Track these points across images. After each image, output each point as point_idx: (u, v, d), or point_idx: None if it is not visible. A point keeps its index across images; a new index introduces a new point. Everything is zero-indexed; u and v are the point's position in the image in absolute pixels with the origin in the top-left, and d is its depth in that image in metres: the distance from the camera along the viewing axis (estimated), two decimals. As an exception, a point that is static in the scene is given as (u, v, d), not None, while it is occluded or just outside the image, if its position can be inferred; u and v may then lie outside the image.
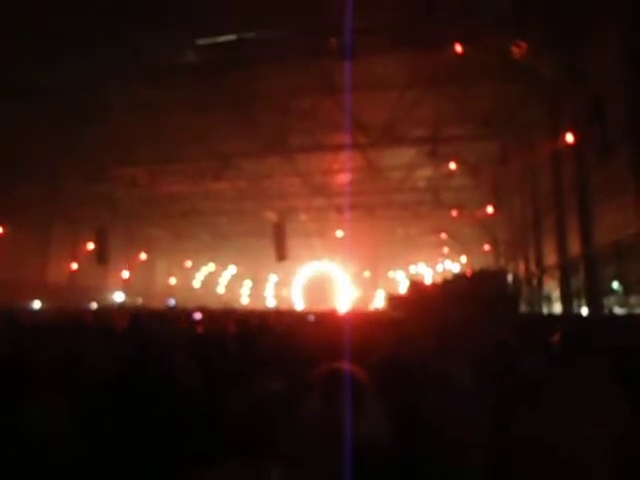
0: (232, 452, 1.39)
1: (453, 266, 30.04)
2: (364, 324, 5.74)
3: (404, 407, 2.53)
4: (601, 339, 3.20)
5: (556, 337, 2.49)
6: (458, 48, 11.39)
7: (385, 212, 24.74)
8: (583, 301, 13.38)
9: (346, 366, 1.53)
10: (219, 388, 2.61)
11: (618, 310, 11.69)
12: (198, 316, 7.12)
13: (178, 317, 5.74)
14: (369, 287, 33.81)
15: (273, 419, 1.35)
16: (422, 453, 2.19)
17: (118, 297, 29.80)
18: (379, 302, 30.00)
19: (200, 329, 5.71)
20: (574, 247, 13.80)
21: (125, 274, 29.76)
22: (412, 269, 33.15)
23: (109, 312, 11.82)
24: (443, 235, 27.89)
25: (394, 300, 13.82)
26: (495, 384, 2.92)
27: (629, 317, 10.04)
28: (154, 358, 2.93)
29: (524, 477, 2.11)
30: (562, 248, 14.88)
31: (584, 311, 12.94)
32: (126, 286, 30.31)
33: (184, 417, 2.50)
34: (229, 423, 1.45)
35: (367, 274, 34.70)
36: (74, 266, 25.84)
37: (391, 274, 34.15)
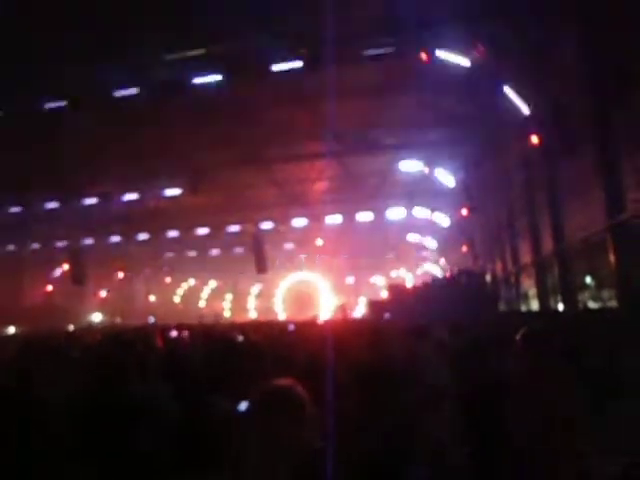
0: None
1: (432, 268, 30.38)
2: (342, 331, 5.77)
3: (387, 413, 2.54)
4: (565, 337, 3.28)
5: (519, 337, 2.55)
6: (423, 55, 11.63)
7: (363, 217, 24.90)
8: (559, 297, 13.67)
9: (286, 382, 1.63)
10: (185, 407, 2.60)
11: (592, 304, 11.97)
12: (174, 333, 7.05)
13: (153, 335, 5.68)
14: (351, 294, 33.90)
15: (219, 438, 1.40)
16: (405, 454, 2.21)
17: (96, 317, 29.23)
18: (361, 308, 30.09)
19: (176, 345, 5.64)
20: (548, 245, 14.12)
21: (102, 294, 29.24)
22: (393, 274, 33.40)
23: (79, 334, 11.57)
24: (421, 238, 28.23)
25: (374, 305, 13.91)
26: (469, 383, 2.98)
27: (597, 312, 10.31)
28: (117, 380, 2.89)
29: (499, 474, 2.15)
30: (536, 246, 15.20)
31: (560, 307, 13.22)
32: (104, 306, 29.76)
33: (152, 440, 2.47)
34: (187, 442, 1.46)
35: (349, 281, 34.82)
36: (49, 288, 25.32)
37: (372, 280, 34.34)
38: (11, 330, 21.63)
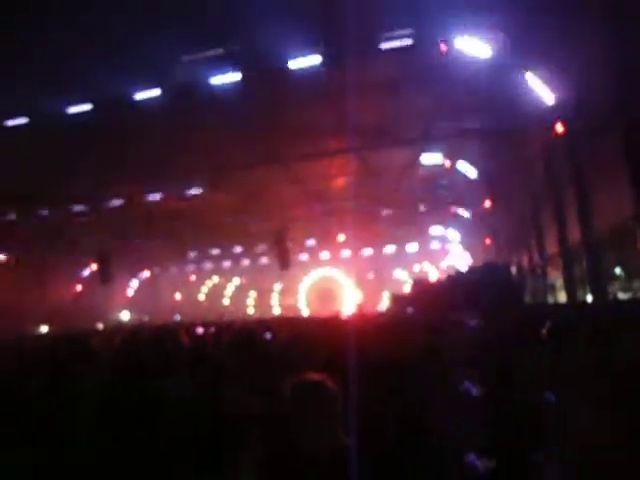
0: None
1: (456, 262, 30.01)
2: (366, 326, 5.77)
3: (402, 406, 2.54)
4: (593, 329, 3.21)
5: (545, 329, 2.52)
6: (442, 47, 11.47)
7: (385, 212, 24.79)
8: (587, 288, 13.35)
9: (316, 377, 1.56)
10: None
11: (622, 295, 11.67)
12: (200, 330, 7.16)
13: (179, 332, 5.79)
14: (374, 289, 33.80)
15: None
16: (419, 452, 2.22)
17: (124, 316, 29.90)
18: (385, 303, 29.98)
19: (202, 342, 5.74)
20: (574, 235, 13.79)
21: (130, 292, 29.87)
22: (416, 268, 33.15)
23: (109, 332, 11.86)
24: (445, 232, 27.93)
25: (398, 300, 13.83)
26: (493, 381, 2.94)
27: (627, 303, 10.02)
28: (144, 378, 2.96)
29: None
30: (563, 237, 14.86)
31: (588, 298, 12.91)
32: (132, 304, 30.40)
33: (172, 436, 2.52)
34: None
35: (371, 276, 34.70)
36: (79, 288, 25.99)
37: (396, 274, 34.15)
38: (44, 329, 22.32)
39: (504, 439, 2.36)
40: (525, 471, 2.01)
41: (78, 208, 21.32)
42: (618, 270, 12.23)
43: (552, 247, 16.53)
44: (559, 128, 12.16)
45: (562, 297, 15.96)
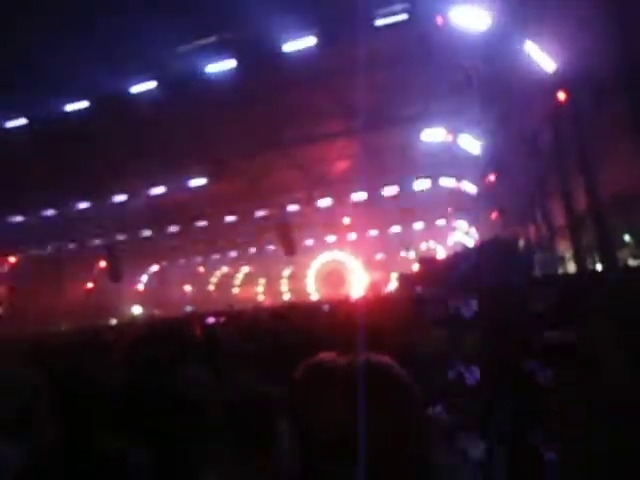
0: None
1: (462, 238, 29.92)
2: (373, 308, 5.79)
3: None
4: (604, 298, 3.19)
5: (553, 299, 2.50)
6: (439, 19, 11.25)
7: (388, 192, 24.63)
8: (596, 257, 13.28)
9: (330, 356, 1.39)
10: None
11: (632, 262, 11.60)
12: (211, 320, 7.22)
13: (192, 323, 5.85)
14: (383, 270, 33.85)
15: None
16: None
17: (136, 310, 30.22)
18: (393, 283, 30.02)
19: (213, 332, 5.79)
20: (581, 205, 13.66)
21: (140, 287, 30.14)
22: (423, 247, 33.10)
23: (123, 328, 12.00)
24: (449, 209, 27.77)
25: (405, 279, 13.83)
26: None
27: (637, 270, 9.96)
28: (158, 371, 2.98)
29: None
30: (569, 207, 14.73)
31: (598, 267, 12.85)
32: (143, 299, 30.69)
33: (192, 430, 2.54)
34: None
35: (380, 257, 34.72)
36: (90, 285, 26.25)
37: (403, 254, 34.13)
38: (56, 328, 22.57)
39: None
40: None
41: (83, 205, 21.40)
42: (627, 237, 12.14)
43: (560, 218, 16.40)
44: (561, 96, 11.95)
45: (572, 268, 15.89)
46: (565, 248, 16.99)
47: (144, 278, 33.08)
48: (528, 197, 19.44)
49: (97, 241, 24.99)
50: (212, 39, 12.98)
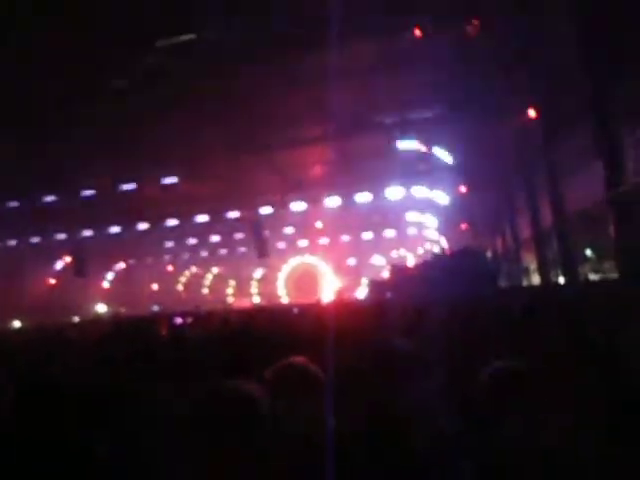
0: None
1: (432, 247, 30.40)
2: (343, 312, 5.82)
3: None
4: (564, 310, 3.31)
5: (517, 310, 2.58)
6: (417, 32, 11.46)
7: (362, 199, 24.81)
8: (559, 271, 13.72)
9: (300, 360, 1.50)
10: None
11: (593, 276, 12.04)
12: (179, 320, 7.11)
13: (159, 323, 5.74)
14: (353, 275, 34.02)
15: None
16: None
17: (101, 308, 29.43)
18: (364, 289, 30.24)
19: (180, 333, 5.71)
20: (547, 219, 14.11)
21: (105, 284, 29.38)
22: (394, 254, 33.46)
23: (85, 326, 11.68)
24: (421, 218, 28.19)
25: (376, 285, 13.98)
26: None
27: (597, 284, 10.35)
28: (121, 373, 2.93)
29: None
30: (536, 221, 15.19)
31: (560, 280, 13.28)
32: (108, 296, 29.92)
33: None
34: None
35: (351, 262, 34.90)
36: (52, 281, 25.43)
37: (374, 261, 34.42)
38: (16, 324, 21.79)
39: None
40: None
41: (49, 198, 20.74)
42: (589, 252, 12.60)
43: (526, 231, 16.89)
44: (532, 112, 12.35)
45: (536, 280, 16.36)
46: (530, 260, 17.49)
47: (110, 275, 32.27)
48: (497, 209, 19.96)
49: (62, 236, 24.26)
50: (192, 37, 12.84)
